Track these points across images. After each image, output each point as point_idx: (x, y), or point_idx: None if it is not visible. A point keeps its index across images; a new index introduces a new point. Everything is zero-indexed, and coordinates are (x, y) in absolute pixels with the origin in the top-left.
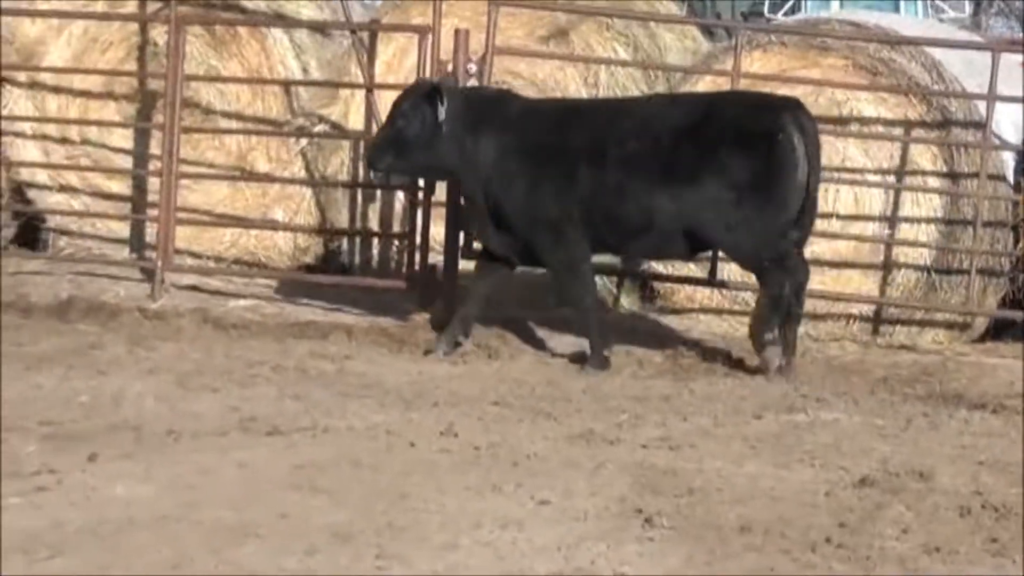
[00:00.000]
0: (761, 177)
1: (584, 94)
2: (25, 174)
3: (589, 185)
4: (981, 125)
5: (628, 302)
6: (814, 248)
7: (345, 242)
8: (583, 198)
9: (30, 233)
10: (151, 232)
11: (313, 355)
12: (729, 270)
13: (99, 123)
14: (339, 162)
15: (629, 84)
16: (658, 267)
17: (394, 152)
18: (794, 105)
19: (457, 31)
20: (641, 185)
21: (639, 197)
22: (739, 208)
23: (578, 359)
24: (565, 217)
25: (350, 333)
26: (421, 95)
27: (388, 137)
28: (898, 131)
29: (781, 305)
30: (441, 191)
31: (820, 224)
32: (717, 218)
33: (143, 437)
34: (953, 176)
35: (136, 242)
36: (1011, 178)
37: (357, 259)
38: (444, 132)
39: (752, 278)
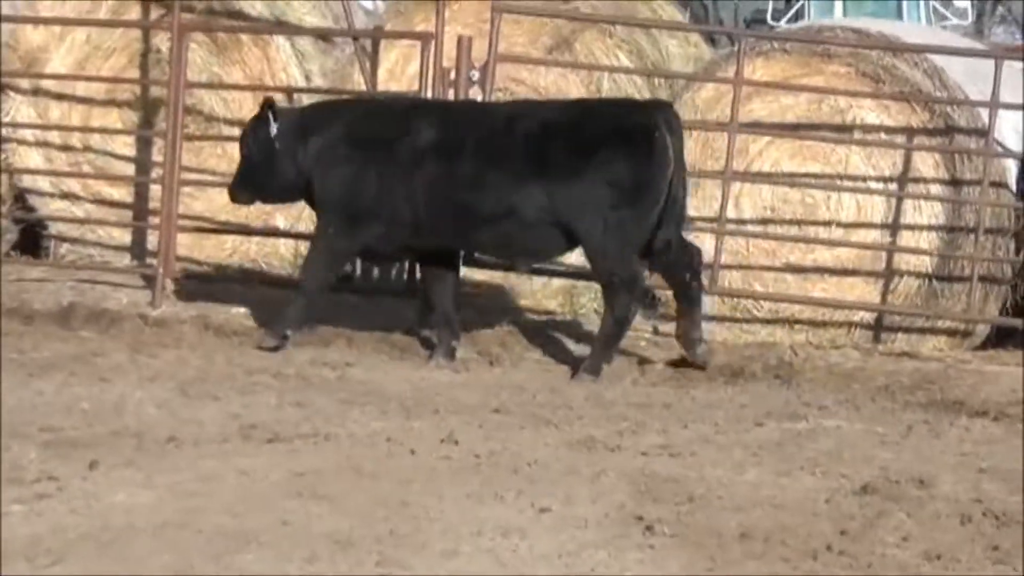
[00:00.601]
0: (636, 176)
1: None
2: (27, 181)
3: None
4: (984, 132)
5: None
6: (815, 255)
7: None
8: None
9: (32, 240)
10: (153, 239)
11: (314, 362)
12: (730, 277)
13: (101, 130)
14: None
15: (632, 91)
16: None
17: (245, 183)
18: (663, 104)
19: (460, 38)
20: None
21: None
22: (615, 209)
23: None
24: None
25: (351, 340)
26: (254, 119)
27: (239, 170)
28: (900, 138)
29: (625, 331)
30: None
31: (822, 231)
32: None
33: (144, 444)
34: (955, 183)
35: (137, 249)
36: (1013, 185)
37: (358, 266)
38: (279, 149)
39: (751, 285)
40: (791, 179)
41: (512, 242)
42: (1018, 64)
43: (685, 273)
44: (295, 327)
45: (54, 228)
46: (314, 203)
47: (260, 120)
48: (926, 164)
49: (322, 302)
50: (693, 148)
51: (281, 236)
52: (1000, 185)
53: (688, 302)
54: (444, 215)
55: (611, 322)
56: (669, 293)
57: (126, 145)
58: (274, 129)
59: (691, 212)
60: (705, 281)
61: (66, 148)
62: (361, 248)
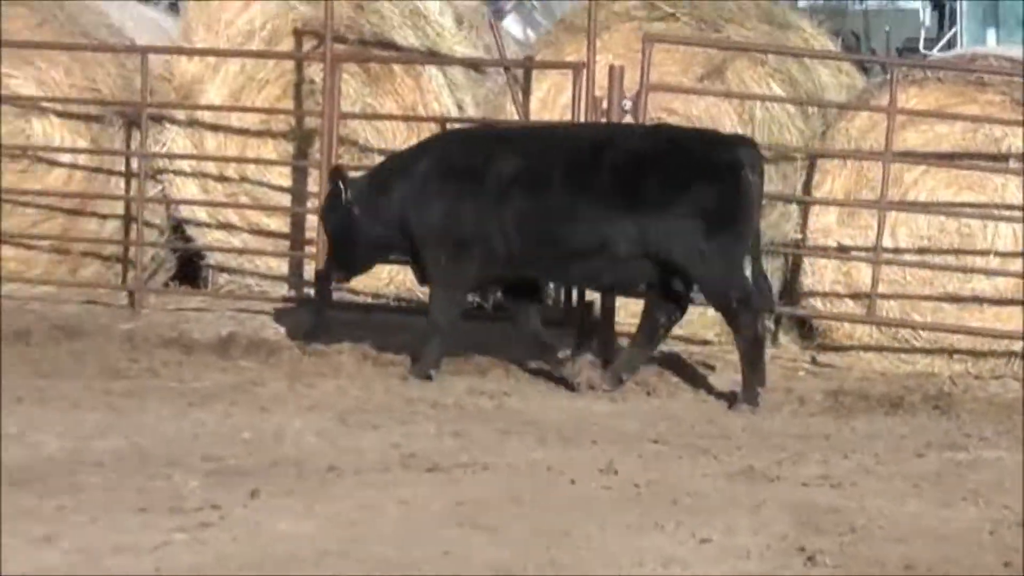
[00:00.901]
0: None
1: (739, 131)
2: (185, 211)
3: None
4: None
5: (787, 340)
6: (973, 284)
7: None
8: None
9: (191, 270)
10: (310, 269)
11: (472, 392)
12: (887, 307)
13: (257, 161)
14: None
15: (784, 120)
16: (817, 305)
17: (338, 259)
18: (746, 140)
19: (612, 67)
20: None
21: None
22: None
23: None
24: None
25: (508, 370)
26: (327, 195)
27: (329, 250)
28: None
29: (761, 349)
30: None
31: (979, 260)
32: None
33: (305, 473)
34: None
35: (294, 279)
36: None
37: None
38: (357, 214)
39: (908, 314)
40: (947, 208)
41: (602, 275)
42: None
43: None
44: (435, 366)
45: (212, 258)
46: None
47: (333, 193)
48: None
49: (456, 335)
50: (848, 178)
51: None
52: None
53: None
54: (535, 248)
55: (745, 345)
56: (824, 323)
57: (282, 175)
58: (348, 196)
59: (847, 241)
60: (862, 310)
61: (222, 179)
62: (474, 276)
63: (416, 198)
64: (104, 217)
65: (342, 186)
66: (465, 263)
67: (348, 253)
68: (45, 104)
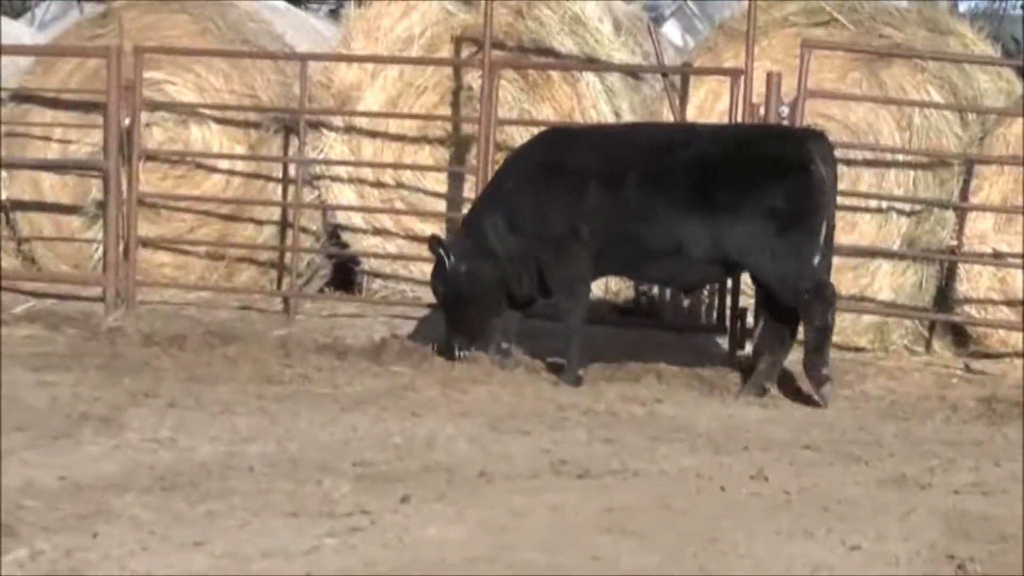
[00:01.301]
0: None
1: (897, 137)
2: (341, 217)
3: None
4: None
5: (940, 347)
6: None
7: (656, 287)
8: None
9: (345, 275)
10: None
11: (624, 398)
12: None
13: (413, 167)
14: None
15: (942, 126)
16: (971, 311)
17: (457, 326)
18: (817, 135)
19: (769, 74)
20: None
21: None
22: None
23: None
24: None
25: (660, 377)
26: (433, 270)
27: (446, 321)
28: None
29: (830, 336)
30: None
31: None
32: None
33: (455, 479)
34: None
35: None
36: None
37: (668, 303)
38: (465, 271)
39: None
40: None
41: (677, 276)
42: None
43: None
44: (581, 366)
45: (367, 264)
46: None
47: (438, 264)
48: None
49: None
50: (1005, 184)
51: None
52: None
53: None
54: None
55: (813, 334)
56: (979, 329)
57: (438, 182)
58: (451, 260)
59: (1003, 247)
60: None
61: (379, 185)
62: (586, 268)
63: (516, 204)
64: (260, 223)
65: (443, 252)
66: (572, 258)
67: (472, 317)
68: (204, 111)
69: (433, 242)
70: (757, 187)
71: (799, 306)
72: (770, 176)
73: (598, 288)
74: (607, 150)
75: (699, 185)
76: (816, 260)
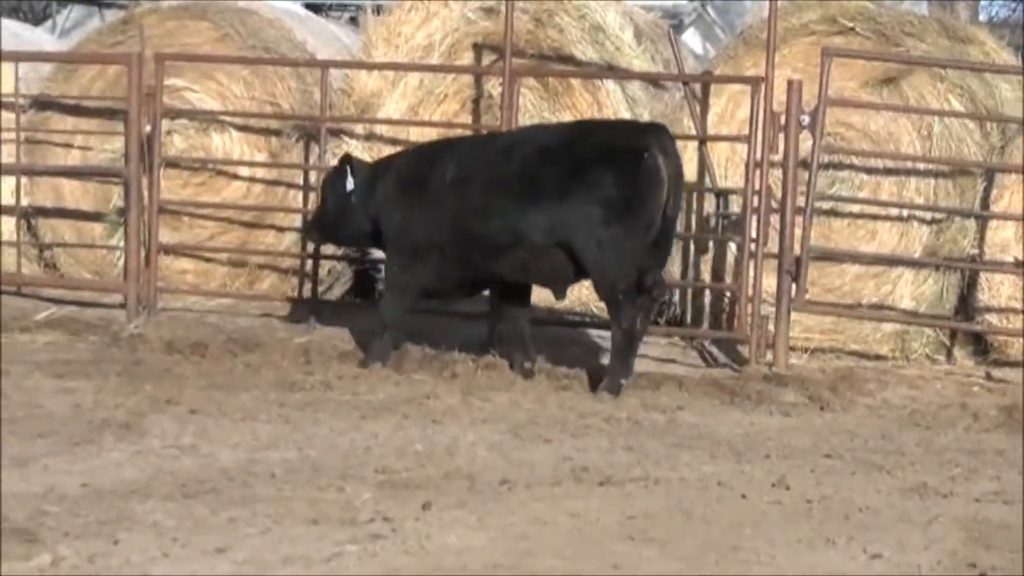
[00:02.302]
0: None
1: (917, 146)
2: None
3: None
4: None
5: (962, 355)
6: None
7: (677, 293)
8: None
9: (365, 284)
10: None
11: (645, 406)
12: None
13: None
14: None
15: (963, 135)
16: (993, 320)
17: (319, 227)
18: (659, 128)
19: (790, 82)
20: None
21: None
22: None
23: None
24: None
25: (682, 384)
26: (333, 171)
27: (314, 214)
28: None
29: (636, 344)
30: (773, 242)
31: None
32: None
33: (477, 486)
34: None
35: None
36: None
37: (689, 310)
38: (355, 203)
39: None
40: None
41: (528, 268)
42: None
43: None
44: (383, 359)
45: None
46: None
47: (339, 173)
48: None
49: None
50: None
51: None
52: None
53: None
54: (465, 247)
55: (619, 335)
56: (1000, 338)
57: None
58: (350, 184)
59: None
60: None
61: None
62: (422, 282)
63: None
64: (282, 230)
65: (350, 170)
66: (414, 270)
67: (332, 228)
68: (225, 118)
69: (347, 158)
70: (589, 174)
71: (609, 304)
72: (603, 164)
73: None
74: (463, 157)
75: (535, 176)
76: (639, 257)
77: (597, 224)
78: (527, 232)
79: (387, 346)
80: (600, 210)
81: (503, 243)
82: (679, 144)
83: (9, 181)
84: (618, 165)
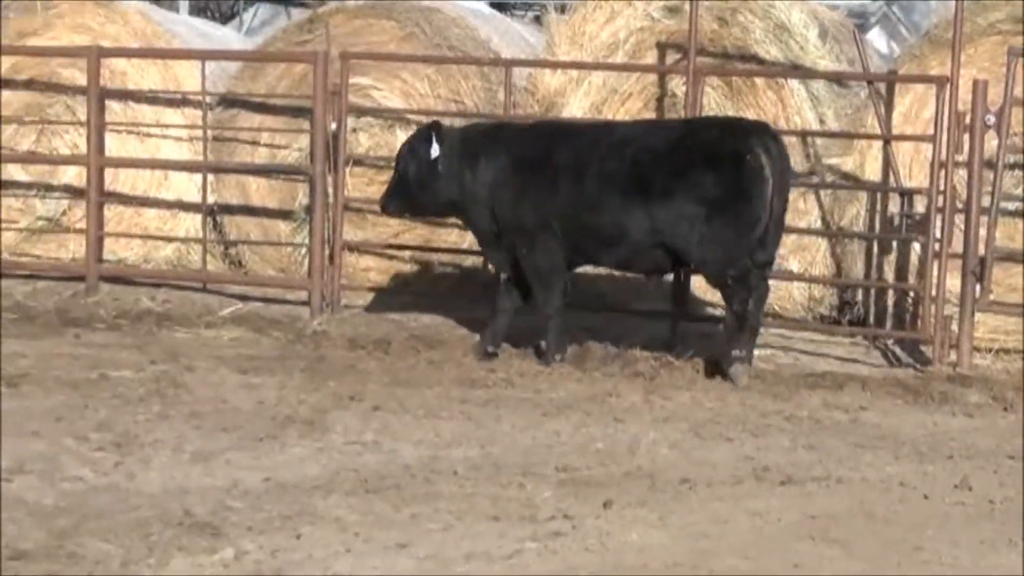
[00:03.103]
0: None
1: None
2: None
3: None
4: None
5: None
6: None
7: (860, 293)
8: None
9: None
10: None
11: (827, 405)
12: None
13: None
14: (854, 213)
15: None
16: None
17: (398, 195)
18: (763, 128)
19: (975, 82)
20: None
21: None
22: (710, 224)
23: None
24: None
25: (865, 384)
26: (416, 138)
27: (392, 181)
28: None
29: (746, 322)
30: (957, 243)
31: None
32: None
33: (657, 485)
34: None
35: (654, 291)
36: None
37: (872, 310)
38: (440, 170)
39: None
40: None
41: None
42: None
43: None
44: (559, 352)
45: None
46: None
47: (423, 139)
48: None
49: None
50: None
51: (794, 279)
52: None
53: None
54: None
55: (732, 318)
56: None
57: None
58: (436, 151)
59: None
60: None
61: None
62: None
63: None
64: (465, 228)
65: (435, 137)
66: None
67: (416, 198)
68: (410, 116)
69: (435, 125)
70: (691, 175)
71: (723, 290)
72: (704, 165)
73: (802, 296)
74: (578, 144)
75: (640, 174)
76: (748, 248)
77: (701, 223)
78: (631, 230)
79: (559, 335)
80: (704, 209)
81: (610, 236)
82: (863, 144)
83: (196, 178)
84: (721, 167)
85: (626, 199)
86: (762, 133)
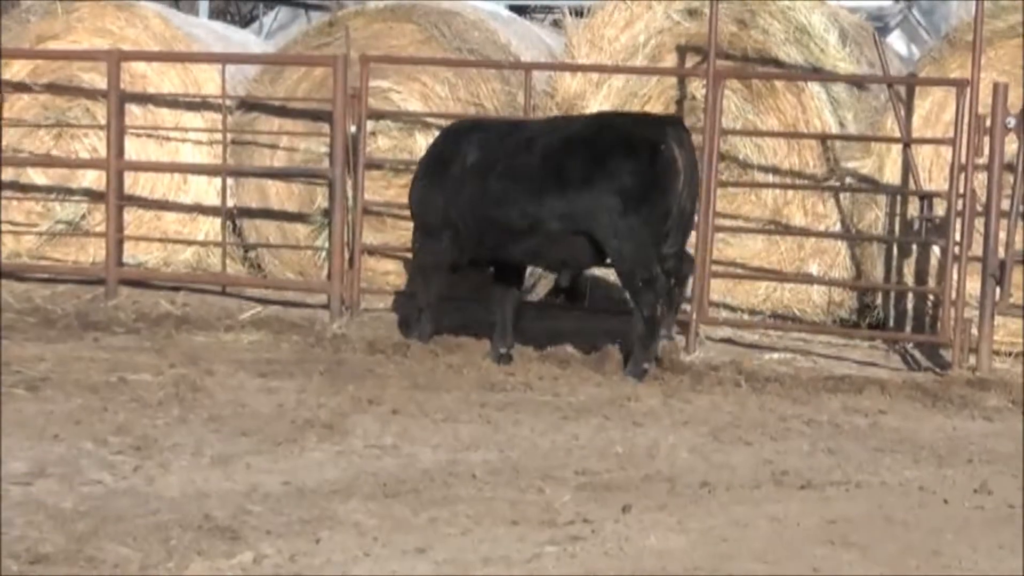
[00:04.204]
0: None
1: None
2: None
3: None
4: None
5: None
6: None
7: (880, 296)
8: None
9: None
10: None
11: (847, 409)
12: None
13: None
14: (874, 216)
15: None
16: None
17: None
18: (675, 121)
19: (996, 85)
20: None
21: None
22: (624, 212)
23: None
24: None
25: (884, 388)
26: None
27: None
28: None
29: (657, 327)
30: (977, 246)
31: None
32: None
33: (677, 488)
34: None
35: None
36: None
37: (892, 313)
38: None
39: None
40: None
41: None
42: None
43: (670, 279)
44: (421, 337)
45: (589, 272)
46: None
47: None
48: None
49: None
50: None
51: (814, 283)
52: None
53: (668, 304)
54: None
55: (641, 322)
56: None
57: None
58: None
59: None
60: None
61: None
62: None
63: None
64: None
65: None
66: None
67: None
68: (429, 119)
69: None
70: (608, 163)
71: (631, 292)
72: (621, 155)
73: (821, 299)
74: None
75: (555, 164)
76: (658, 247)
77: (616, 214)
78: (544, 219)
79: (427, 324)
80: (618, 200)
81: (520, 229)
82: (883, 147)
83: (215, 182)
84: (637, 156)
85: (538, 190)
86: (675, 125)
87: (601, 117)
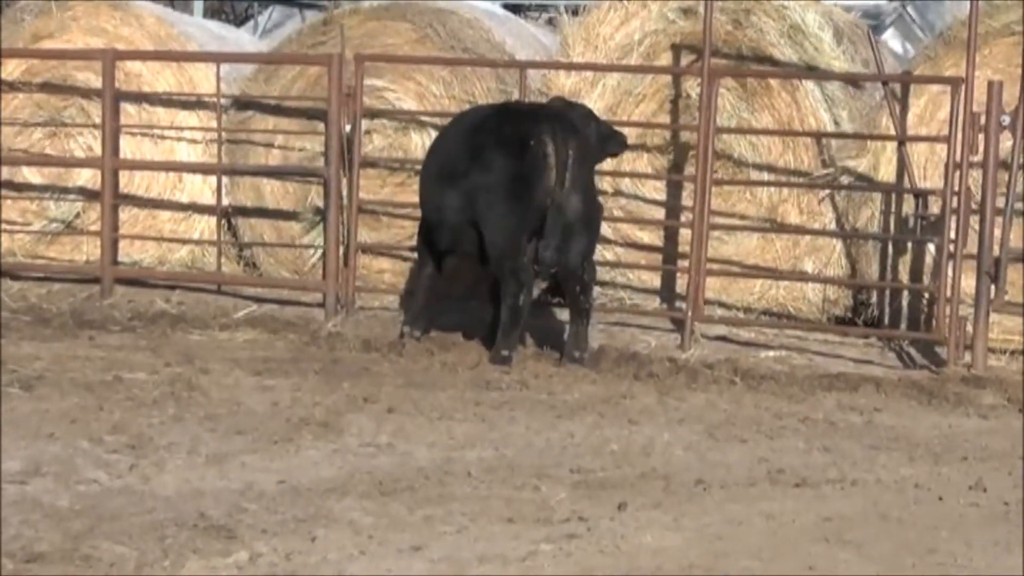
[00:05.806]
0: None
1: None
2: None
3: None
4: None
5: None
6: None
7: (875, 294)
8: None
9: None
10: (682, 283)
11: (842, 407)
12: None
13: (631, 174)
14: (869, 214)
15: None
16: None
17: None
18: (557, 117)
19: (990, 83)
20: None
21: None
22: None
23: None
24: None
25: (879, 385)
26: None
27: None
28: None
29: (519, 317)
30: (972, 244)
31: None
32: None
33: (672, 486)
34: None
35: (666, 293)
36: None
37: (887, 311)
38: None
39: None
40: None
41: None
42: None
43: (575, 285)
44: (414, 326)
45: None
46: None
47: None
48: None
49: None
50: None
51: (809, 280)
52: None
53: (575, 315)
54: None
55: (505, 310)
56: None
57: (656, 189)
58: None
59: None
60: None
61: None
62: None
63: None
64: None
65: None
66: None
67: None
68: (424, 118)
69: None
70: (484, 156)
71: (499, 279)
72: (492, 149)
73: (816, 297)
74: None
75: (453, 156)
76: (525, 234)
77: (485, 205)
78: (446, 210)
79: (416, 312)
80: (488, 193)
81: (438, 219)
82: (877, 145)
83: (210, 180)
84: (505, 151)
85: (442, 181)
86: (555, 121)
87: (500, 108)
